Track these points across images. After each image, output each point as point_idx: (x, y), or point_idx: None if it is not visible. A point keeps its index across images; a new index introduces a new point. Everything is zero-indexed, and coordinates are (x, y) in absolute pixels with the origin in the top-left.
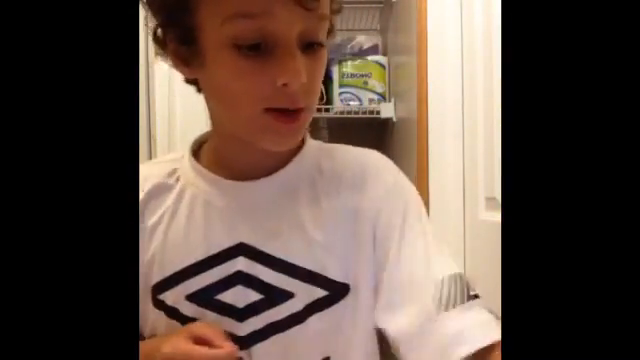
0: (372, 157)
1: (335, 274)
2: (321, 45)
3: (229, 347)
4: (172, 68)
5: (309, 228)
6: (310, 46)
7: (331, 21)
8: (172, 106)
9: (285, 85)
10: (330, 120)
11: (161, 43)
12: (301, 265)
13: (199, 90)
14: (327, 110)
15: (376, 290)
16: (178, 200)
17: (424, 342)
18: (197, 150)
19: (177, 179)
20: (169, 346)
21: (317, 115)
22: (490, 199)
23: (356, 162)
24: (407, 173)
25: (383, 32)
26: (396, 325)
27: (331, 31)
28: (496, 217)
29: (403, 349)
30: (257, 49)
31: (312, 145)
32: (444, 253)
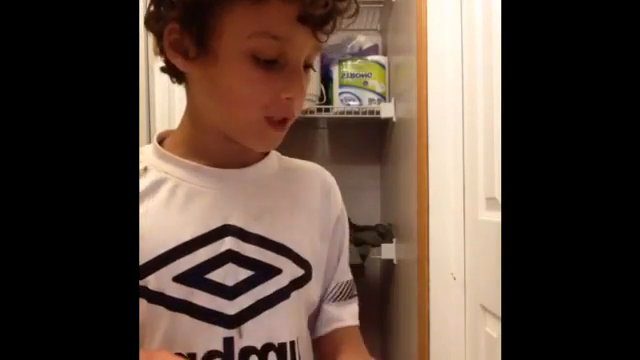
0: (326, 172)
1: (307, 256)
2: (312, 68)
3: None
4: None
5: (286, 213)
6: (306, 68)
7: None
8: (172, 106)
9: (289, 99)
10: (330, 120)
11: (154, 30)
12: (285, 244)
13: (180, 82)
14: (327, 110)
15: (324, 283)
16: (152, 188)
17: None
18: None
19: (145, 169)
20: None
21: (317, 115)
22: (490, 199)
23: (319, 172)
24: (407, 173)
25: (383, 32)
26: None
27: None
28: (496, 217)
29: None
30: (271, 64)
31: (275, 154)
32: None
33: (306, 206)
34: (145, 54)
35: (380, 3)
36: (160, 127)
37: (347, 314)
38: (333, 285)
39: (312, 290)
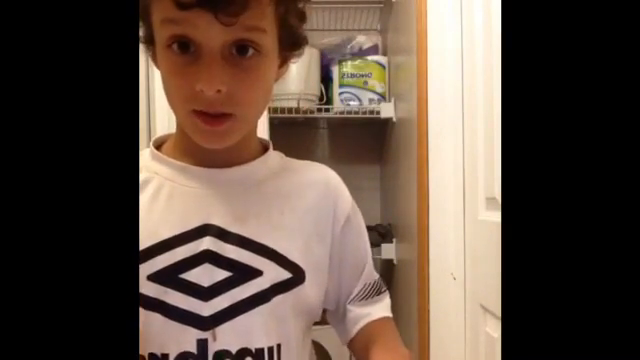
0: (330, 172)
1: (296, 259)
2: (258, 53)
3: None
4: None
5: (274, 214)
6: (242, 55)
7: (300, 18)
8: None
9: (202, 91)
10: (330, 120)
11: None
12: (268, 245)
13: None
14: (327, 110)
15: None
16: (140, 187)
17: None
18: (158, 147)
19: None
20: None
21: (317, 115)
22: (490, 199)
23: (321, 171)
24: (407, 173)
25: (383, 32)
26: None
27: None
28: (496, 217)
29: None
30: (186, 51)
31: (275, 153)
32: None
33: (300, 206)
34: (145, 54)
35: (380, 3)
36: (160, 127)
37: (374, 308)
38: (360, 287)
39: (306, 294)
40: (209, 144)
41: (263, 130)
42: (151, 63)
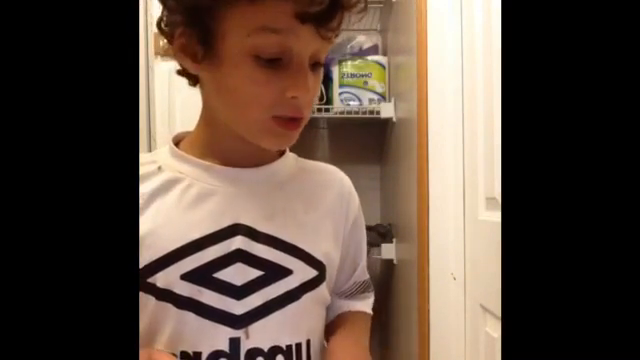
0: (342, 174)
1: (321, 257)
2: (322, 65)
3: None
4: (167, 57)
5: (299, 213)
6: (315, 65)
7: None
8: (172, 106)
9: (294, 97)
10: (330, 120)
11: (166, 34)
12: (297, 244)
13: (194, 84)
14: (327, 110)
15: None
16: (165, 186)
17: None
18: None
19: (159, 168)
20: None
21: (317, 115)
22: (490, 199)
23: (336, 174)
24: (407, 173)
25: (383, 32)
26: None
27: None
28: (496, 217)
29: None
30: (275, 62)
31: (292, 155)
32: None
33: (321, 207)
34: (145, 54)
35: (380, 3)
36: (160, 127)
37: (356, 302)
38: (350, 284)
39: (326, 290)
40: (279, 146)
41: None
42: (151, 63)
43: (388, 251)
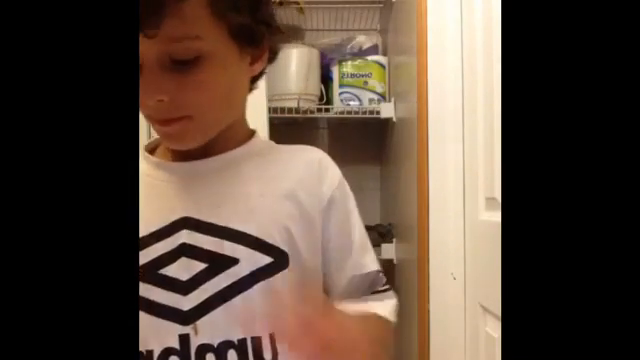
0: (320, 153)
1: (278, 242)
2: (200, 58)
3: None
4: None
5: (253, 197)
6: (181, 63)
7: (267, 24)
8: None
9: (160, 101)
10: (330, 120)
11: None
12: (245, 231)
13: None
14: (327, 110)
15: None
16: None
17: None
18: (152, 151)
19: None
20: None
21: (317, 115)
22: (490, 199)
23: (308, 152)
24: (407, 173)
25: (383, 32)
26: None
27: (268, 33)
28: (496, 217)
29: None
30: (141, 69)
31: (261, 140)
32: None
33: (283, 187)
34: None
35: (380, 3)
36: None
37: (370, 306)
38: (346, 280)
39: (296, 278)
40: (172, 145)
41: (263, 130)
42: None
43: (388, 251)
